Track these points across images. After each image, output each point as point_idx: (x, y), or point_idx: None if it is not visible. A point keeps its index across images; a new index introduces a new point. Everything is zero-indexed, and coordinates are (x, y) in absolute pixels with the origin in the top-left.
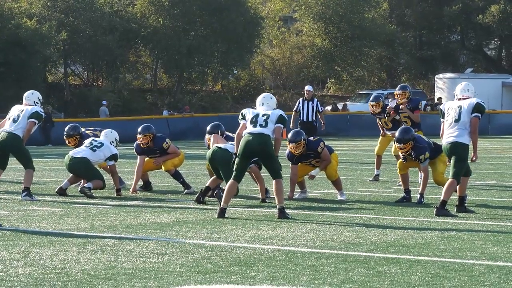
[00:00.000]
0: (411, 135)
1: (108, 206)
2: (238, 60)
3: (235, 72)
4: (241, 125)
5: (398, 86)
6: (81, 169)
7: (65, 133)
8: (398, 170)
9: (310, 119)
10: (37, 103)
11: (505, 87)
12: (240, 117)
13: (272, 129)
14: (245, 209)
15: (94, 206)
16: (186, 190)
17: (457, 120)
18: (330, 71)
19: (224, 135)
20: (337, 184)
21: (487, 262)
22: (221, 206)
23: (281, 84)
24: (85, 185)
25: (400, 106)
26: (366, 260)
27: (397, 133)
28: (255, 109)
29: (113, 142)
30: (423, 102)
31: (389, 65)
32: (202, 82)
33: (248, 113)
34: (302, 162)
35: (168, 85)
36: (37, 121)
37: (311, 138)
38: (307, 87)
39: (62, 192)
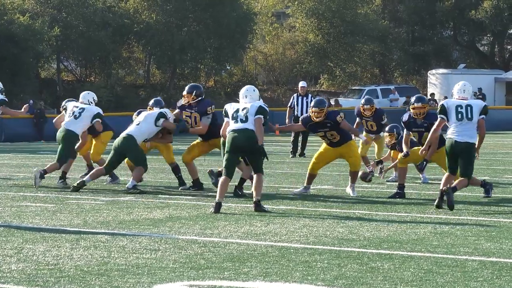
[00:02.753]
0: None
1: (101, 202)
2: (231, 55)
3: (228, 67)
4: (224, 123)
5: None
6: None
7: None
8: (398, 163)
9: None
10: (91, 102)
11: (497, 82)
12: (224, 114)
13: (253, 122)
14: (238, 205)
15: (87, 202)
16: (181, 187)
17: (470, 119)
18: (323, 66)
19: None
20: (355, 176)
21: (480, 258)
22: (217, 201)
23: (274, 80)
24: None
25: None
26: (359, 256)
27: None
28: (238, 101)
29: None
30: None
31: (382, 60)
32: (195, 77)
33: (230, 108)
34: (317, 131)
35: (161, 81)
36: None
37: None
38: (301, 83)
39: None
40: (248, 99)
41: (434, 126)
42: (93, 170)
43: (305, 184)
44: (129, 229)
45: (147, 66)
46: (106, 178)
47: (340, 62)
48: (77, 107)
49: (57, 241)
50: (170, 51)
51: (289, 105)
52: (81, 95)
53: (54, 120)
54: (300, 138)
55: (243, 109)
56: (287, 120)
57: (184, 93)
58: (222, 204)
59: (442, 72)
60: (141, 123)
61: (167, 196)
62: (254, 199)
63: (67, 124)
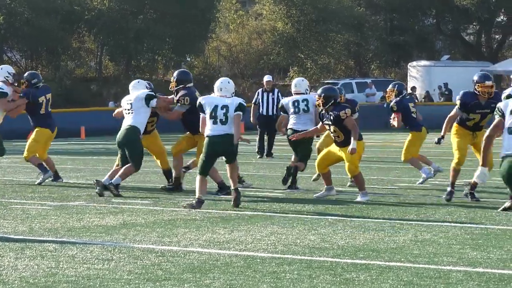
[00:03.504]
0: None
1: (49, 207)
2: (192, 46)
3: (188, 59)
4: (201, 120)
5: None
6: None
7: None
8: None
9: (270, 112)
10: (7, 78)
11: None
12: (199, 108)
13: (232, 122)
14: (199, 210)
15: (33, 207)
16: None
17: None
18: (293, 58)
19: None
20: (357, 181)
21: (465, 268)
22: (198, 197)
23: (238, 73)
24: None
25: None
26: (333, 266)
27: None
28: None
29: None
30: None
31: (357, 51)
32: (152, 70)
33: (207, 105)
34: (323, 122)
35: (114, 74)
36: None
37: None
38: (266, 77)
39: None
40: (223, 92)
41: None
42: (123, 169)
43: (325, 186)
44: (79, 237)
45: (99, 57)
46: (39, 175)
47: (312, 53)
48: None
49: (0, 250)
50: (124, 41)
51: (253, 101)
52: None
53: None
54: (266, 137)
55: (222, 108)
56: (251, 118)
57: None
58: (180, 210)
59: (424, 64)
60: (134, 111)
61: (121, 200)
62: (233, 187)
63: None
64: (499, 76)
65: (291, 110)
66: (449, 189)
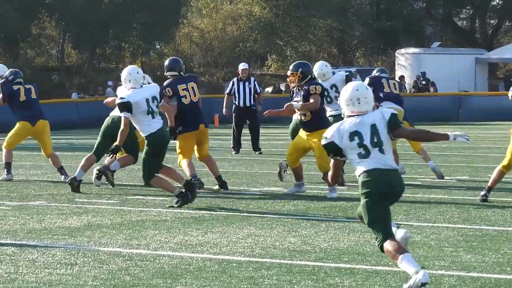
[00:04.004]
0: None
1: (6, 208)
2: (161, 32)
3: (158, 47)
4: (123, 120)
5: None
6: None
7: None
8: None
9: (248, 103)
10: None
11: (478, 64)
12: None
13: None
14: (169, 210)
15: None
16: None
17: None
18: (271, 45)
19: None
20: (325, 179)
21: (459, 273)
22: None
23: (212, 62)
24: None
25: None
26: (315, 271)
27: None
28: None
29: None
30: None
31: (341, 38)
32: (119, 59)
33: (138, 103)
34: (292, 100)
35: (78, 63)
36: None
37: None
38: (242, 65)
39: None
40: (132, 84)
41: None
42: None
43: (295, 181)
44: (40, 240)
45: (61, 45)
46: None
47: (292, 40)
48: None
49: None
50: (88, 28)
51: (227, 91)
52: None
53: None
54: (243, 132)
55: (153, 99)
56: (224, 110)
57: None
58: (150, 209)
59: (413, 52)
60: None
61: (85, 200)
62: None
63: None
64: (494, 64)
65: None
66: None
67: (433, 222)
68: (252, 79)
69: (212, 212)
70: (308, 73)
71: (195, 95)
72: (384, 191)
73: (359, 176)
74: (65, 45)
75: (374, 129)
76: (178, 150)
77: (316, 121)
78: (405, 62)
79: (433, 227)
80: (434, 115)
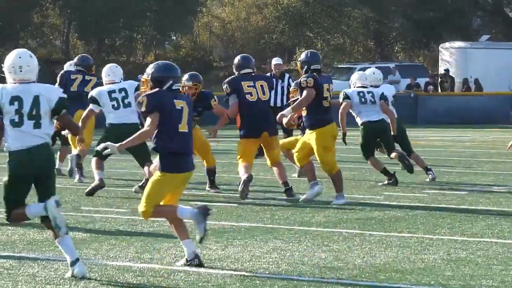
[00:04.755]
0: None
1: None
2: (178, 22)
3: (174, 38)
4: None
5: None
6: None
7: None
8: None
9: (279, 103)
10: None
11: None
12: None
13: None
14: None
15: None
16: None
17: None
18: (300, 37)
19: None
20: (334, 181)
21: None
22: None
23: (234, 55)
24: None
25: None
26: None
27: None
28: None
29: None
30: (424, 80)
31: (378, 30)
32: (130, 51)
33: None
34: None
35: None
36: None
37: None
38: (275, 60)
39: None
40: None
41: None
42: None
43: (309, 182)
44: (41, 252)
45: (66, 35)
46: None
47: (323, 31)
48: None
49: None
50: (96, 16)
51: None
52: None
53: None
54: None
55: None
56: None
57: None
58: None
59: (459, 46)
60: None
61: (92, 208)
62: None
63: None
64: None
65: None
66: None
67: (480, 236)
68: (287, 76)
69: (233, 224)
70: (306, 64)
71: (264, 94)
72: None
73: None
74: (70, 35)
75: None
76: (237, 155)
77: (313, 117)
78: (450, 58)
79: (480, 243)
80: (480, 117)
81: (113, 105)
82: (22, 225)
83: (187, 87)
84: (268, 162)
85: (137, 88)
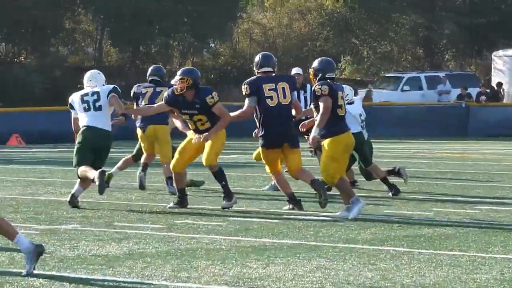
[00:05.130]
0: None
1: (34, 232)
2: (217, 28)
3: (212, 45)
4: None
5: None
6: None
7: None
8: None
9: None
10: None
11: None
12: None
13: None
14: (225, 237)
15: None
16: (225, 201)
17: None
18: (345, 44)
19: None
20: (339, 190)
21: None
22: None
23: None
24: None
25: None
26: None
27: None
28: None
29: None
30: (475, 90)
31: (427, 37)
32: (166, 58)
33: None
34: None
35: (119, 63)
36: None
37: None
38: (294, 70)
39: (75, 202)
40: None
41: None
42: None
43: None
44: (73, 270)
45: (99, 42)
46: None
47: (369, 38)
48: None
49: None
50: (131, 22)
51: None
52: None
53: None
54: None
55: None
56: None
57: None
58: (202, 236)
59: None
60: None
61: (126, 224)
62: None
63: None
64: None
65: None
66: None
67: None
68: (308, 86)
69: (274, 241)
70: (321, 72)
71: (285, 97)
72: None
73: None
74: (103, 42)
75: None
76: (265, 166)
77: (326, 126)
78: (504, 67)
79: None
80: None
81: (84, 107)
82: (52, 241)
83: (178, 81)
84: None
85: (111, 91)
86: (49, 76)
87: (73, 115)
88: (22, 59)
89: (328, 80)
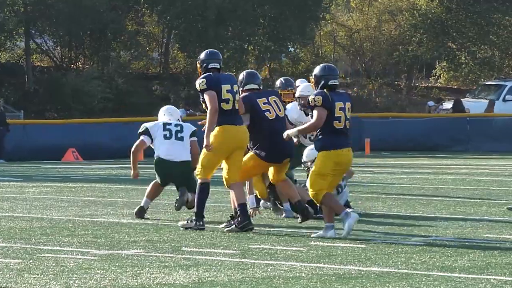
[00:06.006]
0: None
1: (93, 257)
2: (297, 31)
3: (292, 49)
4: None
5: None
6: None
7: None
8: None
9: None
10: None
11: None
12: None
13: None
14: (306, 264)
15: (71, 256)
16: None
17: None
18: (441, 49)
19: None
20: (323, 209)
21: None
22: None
23: (363, 69)
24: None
25: None
26: None
27: None
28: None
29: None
30: None
31: None
32: (240, 64)
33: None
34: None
35: (187, 69)
36: None
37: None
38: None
39: (142, 213)
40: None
41: None
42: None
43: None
44: None
45: (165, 46)
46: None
47: (468, 42)
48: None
49: None
50: (200, 24)
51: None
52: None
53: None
54: None
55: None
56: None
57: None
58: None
59: None
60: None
61: (195, 249)
62: None
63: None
64: None
65: None
66: None
67: None
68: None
69: (361, 268)
70: (323, 79)
71: (280, 110)
72: None
73: None
74: (170, 46)
75: None
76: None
77: (321, 139)
78: None
79: None
80: None
81: (165, 135)
82: (113, 268)
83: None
84: (271, 178)
85: (194, 133)
86: (110, 84)
87: (143, 138)
88: (80, 65)
89: (327, 89)
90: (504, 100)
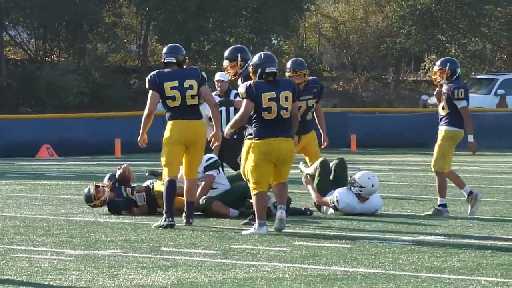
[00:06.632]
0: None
1: (68, 257)
2: (280, 23)
3: (275, 41)
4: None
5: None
6: None
7: None
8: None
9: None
10: None
11: None
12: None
13: None
14: (289, 265)
15: (45, 256)
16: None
17: None
18: (430, 41)
19: None
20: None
21: None
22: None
23: (349, 63)
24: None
25: None
26: None
27: None
28: None
29: None
30: None
31: None
32: (221, 57)
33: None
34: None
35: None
36: None
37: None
38: (218, 76)
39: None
40: None
41: None
42: None
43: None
44: None
45: (144, 38)
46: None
47: (458, 34)
48: None
49: None
50: (180, 15)
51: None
52: None
53: None
54: None
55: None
56: None
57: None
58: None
59: None
60: None
61: (174, 249)
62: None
63: None
64: None
65: None
66: None
67: None
68: (233, 93)
69: (346, 269)
70: (260, 67)
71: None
72: None
73: None
74: (148, 39)
75: None
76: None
77: (251, 129)
78: None
79: None
80: None
81: None
82: (89, 269)
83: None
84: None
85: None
86: (86, 77)
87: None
88: (55, 58)
89: (265, 77)
90: (495, 94)
